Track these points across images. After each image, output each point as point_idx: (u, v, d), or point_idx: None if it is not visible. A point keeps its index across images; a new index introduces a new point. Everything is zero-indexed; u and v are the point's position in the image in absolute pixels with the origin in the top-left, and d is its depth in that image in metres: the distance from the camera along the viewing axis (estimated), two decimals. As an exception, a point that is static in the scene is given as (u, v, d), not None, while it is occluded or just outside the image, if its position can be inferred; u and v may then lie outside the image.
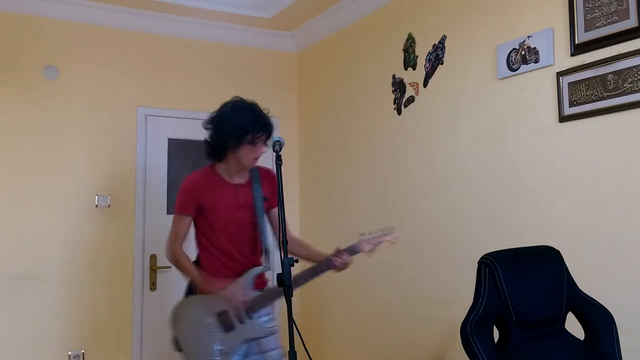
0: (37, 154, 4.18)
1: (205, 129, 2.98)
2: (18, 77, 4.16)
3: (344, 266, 2.84)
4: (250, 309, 2.85)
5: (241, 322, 2.86)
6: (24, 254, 4.09)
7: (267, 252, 3.00)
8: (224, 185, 2.96)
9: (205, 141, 2.99)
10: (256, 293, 2.91)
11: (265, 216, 3.03)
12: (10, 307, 4.03)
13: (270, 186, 3.04)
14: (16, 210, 4.09)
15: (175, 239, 2.96)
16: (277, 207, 2.87)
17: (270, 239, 3.02)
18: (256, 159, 2.95)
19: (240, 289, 2.86)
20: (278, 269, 2.73)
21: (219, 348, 2.84)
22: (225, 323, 2.87)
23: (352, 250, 2.85)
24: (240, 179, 3.00)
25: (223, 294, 2.85)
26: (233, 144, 2.86)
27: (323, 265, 2.85)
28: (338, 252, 2.83)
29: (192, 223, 3.01)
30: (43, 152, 4.19)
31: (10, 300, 4.03)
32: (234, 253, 2.95)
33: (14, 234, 4.08)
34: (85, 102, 4.35)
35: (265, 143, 2.94)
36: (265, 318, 2.93)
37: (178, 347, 2.98)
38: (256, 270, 2.93)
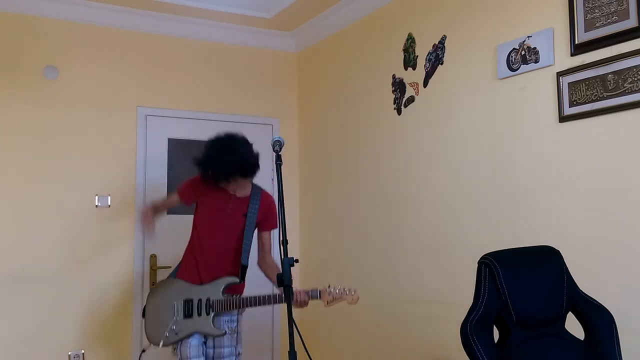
0: (37, 154, 4.18)
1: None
2: (18, 77, 4.16)
3: (302, 305, 3.15)
4: (212, 307, 3.19)
5: (199, 314, 3.20)
6: (24, 254, 4.10)
7: (243, 267, 3.32)
8: (223, 191, 3.31)
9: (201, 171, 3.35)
10: (223, 297, 3.22)
11: (251, 235, 3.37)
12: (10, 307, 4.03)
13: (266, 211, 3.39)
14: (16, 210, 4.09)
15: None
16: (267, 232, 3.42)
17: (248, 256, 3.34)
18: (236, 187, 3.30)
19: (150, 215, 3.43)
20: (252, 286, 3.38)
21: (172, 327, 3.20)
22: (188, 310, 3.22)
23: (313, 294, 3.15)
24: (240, 193, 3.34)
25: (144, 216, 3.46)
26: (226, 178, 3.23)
27: (279, 297, 3.11)
28: (298, 292, 3.11)
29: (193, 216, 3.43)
30: (43, 152, 4.19)
31: (10, 300, 4.04)
32: (213, 255, 3.31)
33: (14, 234, 4.08)
34: (85, 102, 4.35)
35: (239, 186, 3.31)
36: (226, 318, 3.29)
37: (144, 314, 3.38)
38: (230, 279, 3.25)
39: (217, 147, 3.22)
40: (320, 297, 3.13)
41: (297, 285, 5.00)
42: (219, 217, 3.30)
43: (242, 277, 3.31)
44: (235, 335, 3.32)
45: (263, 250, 3.45)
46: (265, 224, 3.41)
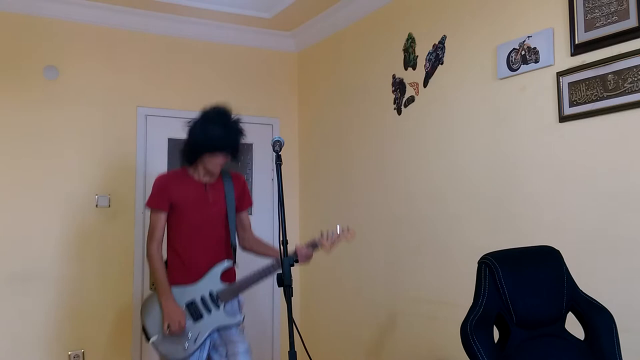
0: (37, 154, 4.18)
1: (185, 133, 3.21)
2: (18, 77, 4.16)
3: (307, 258, 3.12)
4: (220, 298, 3.09)
5: (209, 310, 3.07)
6: (24, 254, 4.10)
7: (233, 248, 3.24)
8: (194, 184, 3.19)
9: (181, 149, 3.26)
10: (224, 285, 3.13)
11: (234, 215, 3.27)
12: (10, 307, 4.04)
13: (242, 190, 3.32)
14: (16, 210, 4.10)
15: (152, 238, 3.15)
16: (245, 211, 3.32)
17: (235, 237, 3.28)
18: (220, 165, 3.16)
19: (181, 311, 3.04)
20: (242, 265, 3.27)
21: (188, 336, 3.03)
22: (195, 312, 3.07)
23: (313, 244, 3.13)
24: (209, 180, 3.21)
25: (166, 308, 3.03)
26: (199, 152, 3.12)
27: (276, 264, 3.06)
28: (299, 248, 3.10)
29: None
30: (43, 152, 4.19)
31: (10, 300, 4.04)
32: (204, 249, 3.15)
33: (14, 234, 4.08)
34: (85, 102, 4.35)
35: (228, 155, 3.16)
36: (232, 312, 3.15)
37: (147, 336, 3.12)
38: (225, 264, 3.15)
39: (210, 121, 3.13)
40: (320, 245, 3.12)
41: (296, 285, 5.00)
42: (202, 209, 3.15)
43: (234, 259, 3.25)
44: (243, 330, 3.21)
45: (244, 230, 3.35)
46: (243, 203, 3.32)
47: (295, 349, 2.25)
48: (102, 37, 4.46)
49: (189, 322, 3.05)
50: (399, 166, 3.98)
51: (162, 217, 3.15)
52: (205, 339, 3.06)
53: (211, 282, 3.12)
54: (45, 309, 4.14)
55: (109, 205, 4.38)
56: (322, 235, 3.15)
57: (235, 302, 3.19)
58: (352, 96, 4.50)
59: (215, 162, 3.12)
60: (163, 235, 3.17)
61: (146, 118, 4.58)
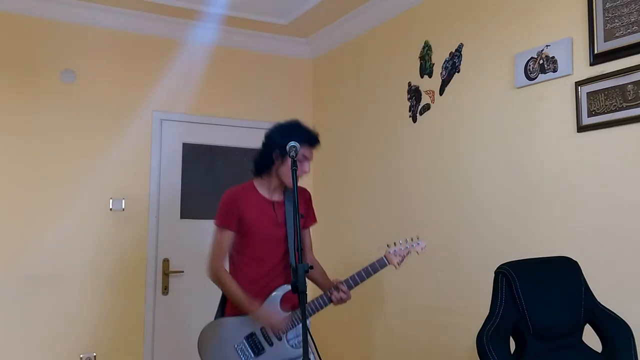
0: (53, 157, 4.20)
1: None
2: (35, 80, 4.19)
3: (340, 301, 2.83)
4: (281, 330, 2.80)
5: (270, 343, 2.80)
6: (37, 256, 4.11)
7: (293, 270, 2.85)
8: (263, 201, 2.92)
9: (254, 158, 2.98)
10: (285, 313, 2.83)
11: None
12: (24, 309, 4.05)
13: (306, 204, 3.07)
14: (30, 213, 4.12)
15: (218, 256, 2.88)
16: (307, 229, 3.07)
17: (294, 257, 2.90)
18: (301, 171, 2.85)
19: (277, 312, 2.79)
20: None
21: None
22: (256, 345, 2.81)
23: (381, 264, 2.80)
24: (277, 197, 2.96)
25: (260, 316, 2.78)
26: (278, 155, 2.83)
27: (320, 301, 2.84)
28: (335, 287, 2.81)
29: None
30: (58, 155, 4.22)
31: (24, 302, 4.05)
32: (268, 271, 2.88)
33: (28, 237, 4.10)
34: (101, 105, 4.37)
35: (309, 159, 2.92)
36: (295, 341, 2.86)
37: None
38: (285, 288, 2.84)
39: (291, 122, 2.93)
40: (388, 263, 2.80)
41: (310, 292, 4.99)
42: (269, 230, 2.88)
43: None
44: (312, 356, 2.75)
45: (304, 251, 2.87)
46: (307, 221, 3.08)
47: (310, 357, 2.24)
48: (119, 41, 4.49)
49: (251, 357, 2.79)
50: (414, 174, 3.96)
51: (229, 237, 2.87)
52: None
53: (271, 309, 2.80)
54: (58, 312, 4.15)
55: (123, 209, 4.39)
56: (389, 250, 2.84)
57: (299, 329, 2.82)
58: (367, 103, 4.49)
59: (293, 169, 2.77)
60: (226, 255, 2.91)
61: (161, 122, 4.60)
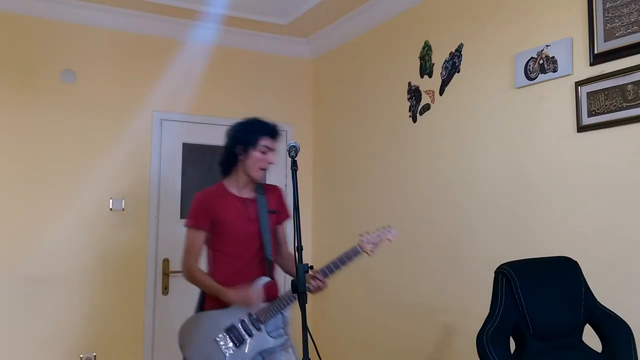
0: (53, 157, 4.20)
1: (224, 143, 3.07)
2: (35, 80, 4.19)
3: (317, 289, 2.85)
4: (259, 320, 2.88)
5: (250, 334, 2.87)
6: (37, 256, 4.11)
7: (269, 263, 3.03)
8: (234, 200, 3.02)
9: (219, 159, 3.08)
10: (264, 304, 2.91)
11: (269, 229, 3.05)
12: (24, 310, 4.05)
13: (278, 200, 3.14)
14: (31, 213, 4.12)
15: (191, 255, 2.97)
16: (281, 224, 3.12)
17: (270, 251, 3.03)
18: (263, 169, 3.01)
19: (247, 290, 2.86)
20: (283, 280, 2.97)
21: None
22: (236, 337, 2.87)
23: (354, 252, 2.86)
24: (248, 194, 3.05)
25: (233, 294, 2.85)
26: (242, 151, 2.96)
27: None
28: (312, 276, 2.83)
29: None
30: (58, 155, 4.22)
31: (24, 302, 4.05)
32: (244, 265, 2.97)
33: (28, 237, 4.10)
34: (101, 105, 4.38)
35: (272, 150, 3.01)
36: (275, 333, 2.93)
37: None
38: (262, 281, 2.94)
39: (251, 119, 3.05)
40: (361, 251, 2.86)
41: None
42: (243, 227, 2.97)
43: (271, 273, 3.01)
44: (291, 350, 2.96)
45: (279, 245, 3.15)
46: (280, 216, 3.14)
47: (310, 357, 2.24)
48: (119, 41, 4.49)
49: (231, 351, 2.83)
50: (414, 174, 3.96)
51: (202, 237, 2.97)
52: None
53: (245, 288, 2.88)
54: (58, 311, 4.15)
55: (123, 209, 4.39)
56: (362, 239, 2.90)
57: (278, 319, 2.94)
58: (367, 103, 4.49)
59: (259, 165, 2.95)
60: (199, 257, 2.99)
61: (161, 122, 4.60)
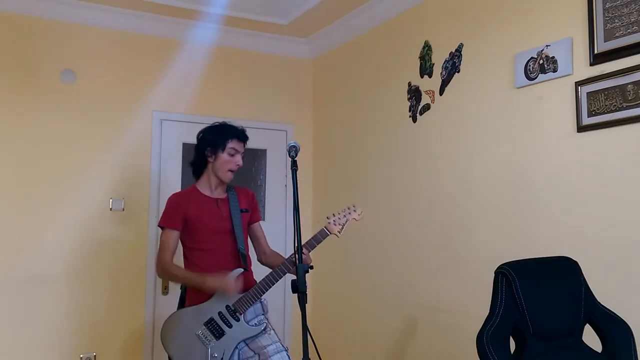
0: (53, 157, 4.20)
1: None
2: (35, 80, 4.19)
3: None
4: (237, 311, 3.00)
5: (229, 325, 2.98)
6: (37, 256, 4.11)
7: (243, 256, 3.16)
8: (206, 200, 3.18)
9: (190, 162, 3.30)
10: (238, 295, 3.02)
11: (241, 226, 3.20)
12: (24, 310, 4.05)
13: (249, 201, 3.31)
14: (30, 213, 4.11)
15: (164, 252, 3.10)
16: (257, 223, 3.31)
17: (243, 245, 3.17)
18: (232, 171, 3.16)
19: (221, 278, 2.96)
20: (256, 271, 3.18)
21: (214, 356, 2.94)
22: (215, 330, 2.98)
23: (323, 235, 3.05)
24: (220, 194, 3.21)
25: (210, 280, 2.96)
26: (211, 153, 3.14)
27: (282, 268, 3.00)
28: (288, 260, 3.00)
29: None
30: (58, 155, 4.22)
31: (24, 302, 4.05)
32: (219, 259, 3.11)
33: (28, 237, 4.10)
34: (101, 105, 4.37)
35: (240, 152, 3.18)
36: (254, 320, 3.09)
37: None
38: (239, 270, 3.04)
39: (218, 124, 3.23)
40: (329, 233, 3.07)
41: (309, 292, 5.00)
42: (216, 225, 3.12)
43: (246, 265, 3.13)
44: (273, 332, 3.09)
45: (259, 244, 3.33)
46: (253, 215, 3.31)
47: (310, 357, 2.24)
48: (119, 41, 4.48)
49: (212, 343, 2.95)
50: (414, 174, 3.96)
51: (175, 236, 3.12)
52: (232, 355, 2.98)
53: (225, 294, 2.99)
54: (58, 312, 4.15)
55: (123, 209, 4.40)
56: (330, 220, 3.11)
57: (257, 307, 3.11)
58: (367, 103, 4.49)
59: (227, 167, 3.13)
60: (174, 255, 3.11)
61: (161, 122, 4.60)
